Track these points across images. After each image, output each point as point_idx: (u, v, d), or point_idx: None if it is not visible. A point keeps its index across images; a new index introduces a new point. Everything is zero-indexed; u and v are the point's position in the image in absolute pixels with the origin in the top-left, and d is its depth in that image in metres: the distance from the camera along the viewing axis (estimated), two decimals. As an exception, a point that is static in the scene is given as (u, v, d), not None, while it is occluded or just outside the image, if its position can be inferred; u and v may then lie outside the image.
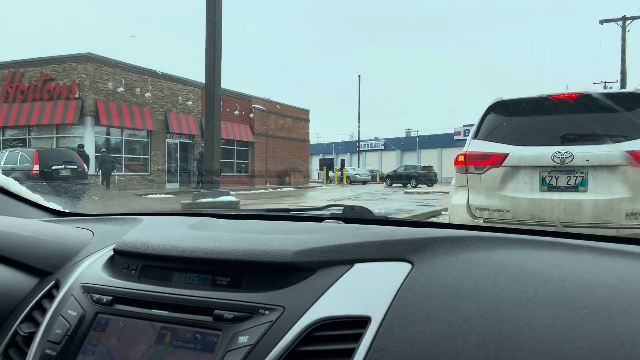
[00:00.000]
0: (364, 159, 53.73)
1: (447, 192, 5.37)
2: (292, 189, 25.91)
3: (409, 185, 29.90)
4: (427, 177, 30.05)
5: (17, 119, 20.65)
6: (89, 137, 20.13)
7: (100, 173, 18.85)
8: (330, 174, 36.55)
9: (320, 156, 55.61)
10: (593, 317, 0.67)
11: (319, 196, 19.26)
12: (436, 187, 26.13)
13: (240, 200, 10.26)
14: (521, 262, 0.84)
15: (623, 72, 26.00)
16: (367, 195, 18.66)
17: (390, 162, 50.19)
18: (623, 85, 25.39)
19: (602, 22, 26.58)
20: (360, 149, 47.51)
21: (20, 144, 20.82)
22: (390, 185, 31.20)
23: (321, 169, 39.07)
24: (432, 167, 32.76)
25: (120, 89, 21.29)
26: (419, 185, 29.12)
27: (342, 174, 34.49)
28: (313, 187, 28.97)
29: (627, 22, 25.87)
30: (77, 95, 20.08)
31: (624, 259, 0.83)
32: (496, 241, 0.93)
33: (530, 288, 0.75)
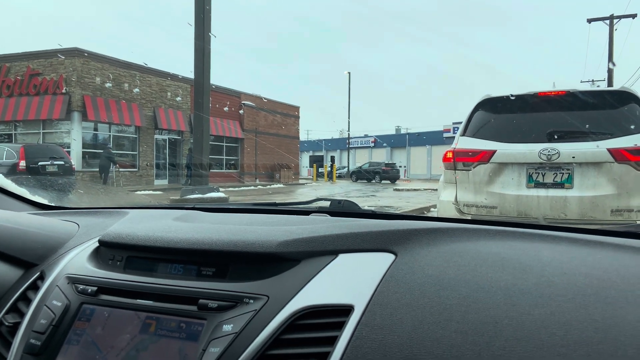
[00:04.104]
0: (354, 155, 53.71)
1: (436, 189, 5.41)
2: (281, 185, 25.87)
3: (373, 181, 31.93)
4: (389, 173, 32.41)
5: (3, 114, 20.36)
6: (76, 133, 19.93)
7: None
8: (319, 170, 37.02)
9: (310, 153, 55.61)
10: (569, 305, 0.69)
11: (309, 193, 19.25)
12: (426, 184, 26.32)
13: (230, 197, 10.23)
14: (501, 252, 0.86)
15: (610, 71, 26.27)
16: (357, 192, 18.69)
17: (380, 159, 50.23)
18: (610, 84, 25.64)
19: (589, 20, 26.79)
20: (350, 146, 47.58)
21: (6, 140, 20.54)
22: (355, 180, 33.22)
23: (311, 166, 39.25)
24: (395, 164, 35.33)
25: (108, 84, 21.05)
26: (383, 181, 31.22)
27: (332, 170, 34.86)
28: (303, 184, 28.99)
29: (615, 21, 26.13)
30: (64, 90, 19.83)
31: (601, 250, 0.85)
32: (478, 233, 0.95)
33: (509, 277, 0.77)
